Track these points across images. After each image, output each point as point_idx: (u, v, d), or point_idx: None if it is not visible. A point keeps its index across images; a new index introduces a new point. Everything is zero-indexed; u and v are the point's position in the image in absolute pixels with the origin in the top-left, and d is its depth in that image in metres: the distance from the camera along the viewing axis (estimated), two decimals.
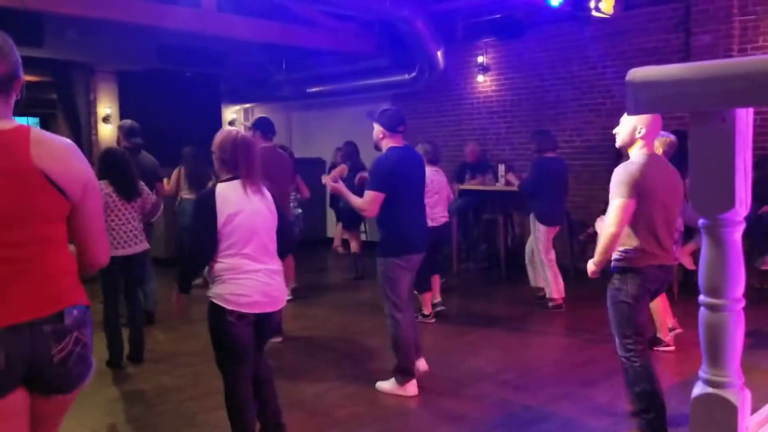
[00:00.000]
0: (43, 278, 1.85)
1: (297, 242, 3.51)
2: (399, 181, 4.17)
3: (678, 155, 4.61)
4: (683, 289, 6.67)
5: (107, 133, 10.56)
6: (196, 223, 3.18)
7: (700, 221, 1.33)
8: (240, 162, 3.12)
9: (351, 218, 8.10)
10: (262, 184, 3.20)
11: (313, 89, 10.74)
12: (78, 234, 1.95)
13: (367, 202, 4.16)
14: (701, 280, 1.34)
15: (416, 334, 4.43)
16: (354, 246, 8.36)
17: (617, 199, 3.16)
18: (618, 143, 3.37)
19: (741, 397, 1.38)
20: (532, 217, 6.65)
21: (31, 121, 12.79)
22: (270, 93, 11.48)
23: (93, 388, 4.23)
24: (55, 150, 1.87)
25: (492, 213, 8.61)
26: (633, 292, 3.27)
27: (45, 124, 12.11)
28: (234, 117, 12.18)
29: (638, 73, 1.31)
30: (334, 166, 9.97)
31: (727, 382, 1.39)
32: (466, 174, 8.85)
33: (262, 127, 5.75)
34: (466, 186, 8.69)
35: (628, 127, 3.27)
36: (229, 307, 3.01)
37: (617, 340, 3.37)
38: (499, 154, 9.18)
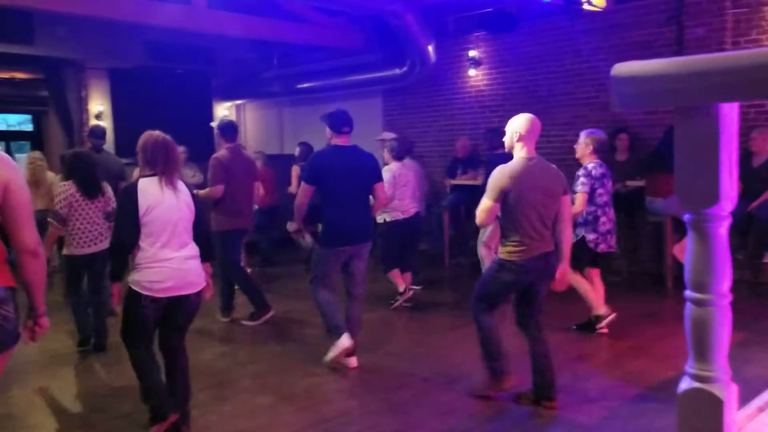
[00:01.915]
0: None
1: (208, 236, 3.78)
2: (328, 176, 4.57)
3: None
4: (677, 283, 6.69)
5: None
6: (120, 213, 3.52)
7: (686, 216, 1.32)
8: (159, 161, 3.44)
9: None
10: (177, 180, 3.55)
11: (304, 85, 10.70)
12: (6, 224, 2.36)
13: (299, 193, 4.71)
14: (687, 275, 1.34)
15: (356, 311, 4.89)
16: (307, 239, 8.55)
17: (485, 200, 3.77)
18: (506, 146, 3.87)
19: (727, 391, 1.38)
20: None
21: (22, 119, 12.72)
22: (261, 89, 11.46)
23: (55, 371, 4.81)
24: None
25: None
26: (508, 279, 3.82)
27: (37, 122, 12.04)
28: (226, 113, 12.13)
29: (622, 68, 1.30)
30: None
31: (714, 377, 1.38)
32: (458, 169, 8.84)
33: (222, 129, 6.08)
34: (457, 181, 8.68)
35: (509, 131, 3.81)
36: (145, 293, 3.35)
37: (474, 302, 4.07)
38: None
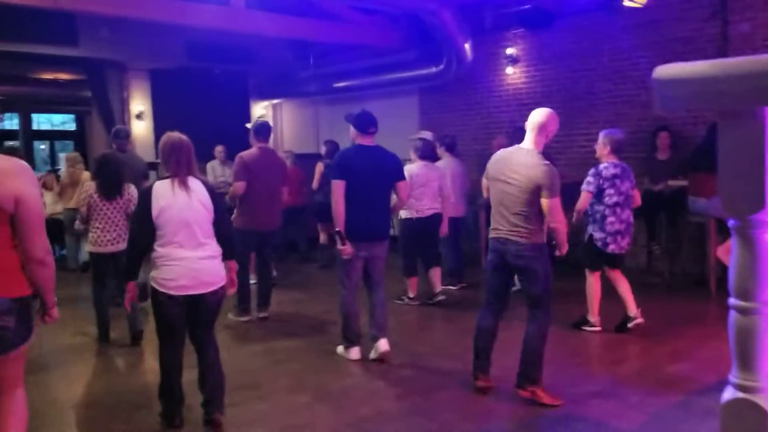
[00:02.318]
0: None
1: (229, 235, 3.84)
2: (352, 174, 4.67)
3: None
4: (720, 285, 6.53)
5: (140, 129, 10.72)
6: (135, 214, 3.71)
7: (730, 222, 1.28)
8: (171, 162, 3.58)
9: (321, 211, 8.32)
10: (194, 179, 3.63)
11: (340, 84, 10.73)
12: (18, 234, 2.54)
13: (333, 191, 4.74)
14: (731, 282, 1.30)
15: (380, 315, 4.88)
16: (322, 237, 8.72)
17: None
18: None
19: None
20: None
21: (66, 118, 13.06)
22: (297, 88, 11.53)
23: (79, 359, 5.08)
24: None
25: None
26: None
27: (80, 121, 12.35)
28: (263, 112, 12.25)
29: (665, 71, 1.27)
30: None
31: (758, 387, 1.34)
32: None
33: (254, 129, 6.19)
34: None
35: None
36: (161, 289, 3.50)
37: None
38: None
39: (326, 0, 8.10)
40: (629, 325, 5.38)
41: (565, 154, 8.55)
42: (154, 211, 3.48)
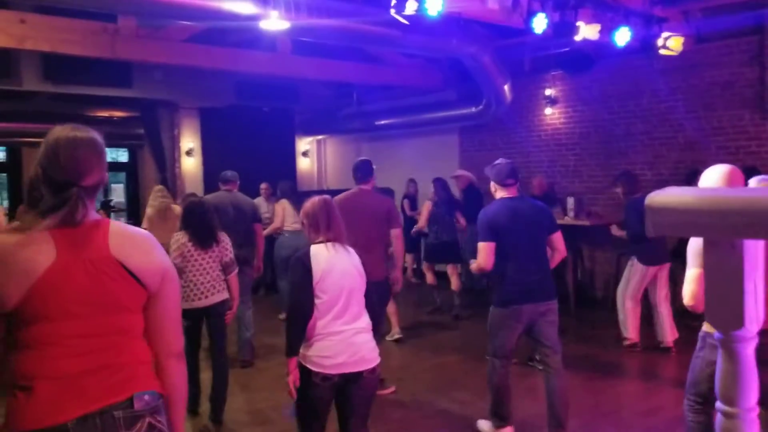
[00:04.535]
0: (117, 368, 1.87)
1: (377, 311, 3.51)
2: (500, 230, 4.17)
3: None
4: None
5: (190, 165, 11.18)
6: (295, 279, 3.23)
7: (716, 335, 1.44)
8: (328, 225, 3.30)
9: (433, 252, 8.42)
10: (348, 244, 3.35)
11: (382, 122, 11.02)
12: (154, 322, 1.97)
13: (480, 254, 4.19)
14: (717, 388, 1.44)
15: (559, 403, 4.19)
16: (430, 278, 8.48)
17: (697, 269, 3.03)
18: None
19: None
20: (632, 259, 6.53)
21: (120, 152, 13.62)
22: (341, 125, 11.86)
23: None
24: (132, 241, 1.95)
25: None
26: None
27: (133, 156, 12.88)
28: (308, 148, 12.62)
29: (656, 198, 1.43)
30: (407, 196, 10.23)
31: None
32: None
33: (356, 171, 5.40)
34: None
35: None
36: (315, 369, 3.10)
37: None
38: (568, 187, 9.15)
39: (370, 46, 8.38)
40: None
41: (604, 194, 8.61)
42: (316, 276, 3.16)
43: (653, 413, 4.83)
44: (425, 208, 8.42)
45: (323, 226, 3.29)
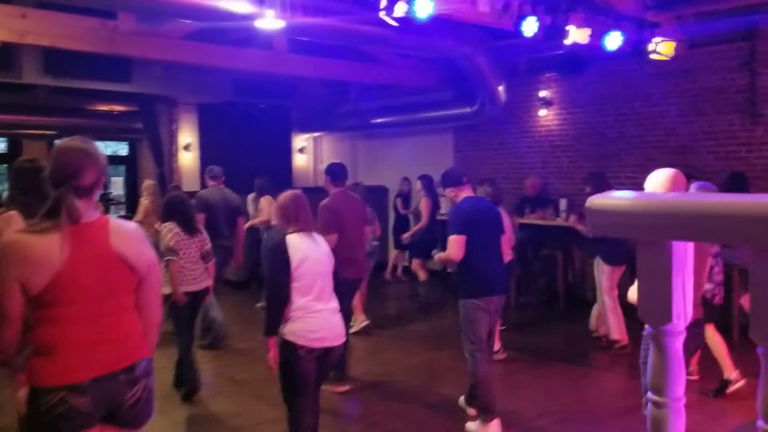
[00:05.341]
0: (120, 339, 2.36)
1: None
2: (472, 225, 4.44)
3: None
4: (743, 332, 6.57)
5: (187, 160, 11.28)
6: (274, 266, 3.56)
7: (647, 329, 1.54)
8: (299, 216, 3.64)
9: (420, 249, 8.60)
10: (314, 232, 3.70)
11: (377, 120, 11.10)
12: (141, 300, 2.46)
13: (450, 246, 4.41)
14: (648, 379, 1.54)
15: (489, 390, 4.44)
16: (423, 275, 8.68)
17: None
18: None
19: None
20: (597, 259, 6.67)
21: (120, 146, 13.75)
22: (337, 123, 11.94)
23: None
24: (128, 236, 2.41)
25: (551, 248, 8.67)
26: None
27: (132, 150, 13.01)
28: (304, 145, 12.72)
29: (595, 201, 1.53)
30: (400, 194, 10.34)
31: None
32: (526, 208, 8.97)
33: (331, 173, 5.70)
34: (525, 220, 8.79)
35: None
36: (300, 343, 3.41)
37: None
38: (561, 188, 9.24)
39: (365, 45, 8.46)
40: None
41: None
42: (294, 263, 3.46)
43: (633, 410, 4.92)
44: (425, 205, 8.55)
45: (293, 218, 3.61)
